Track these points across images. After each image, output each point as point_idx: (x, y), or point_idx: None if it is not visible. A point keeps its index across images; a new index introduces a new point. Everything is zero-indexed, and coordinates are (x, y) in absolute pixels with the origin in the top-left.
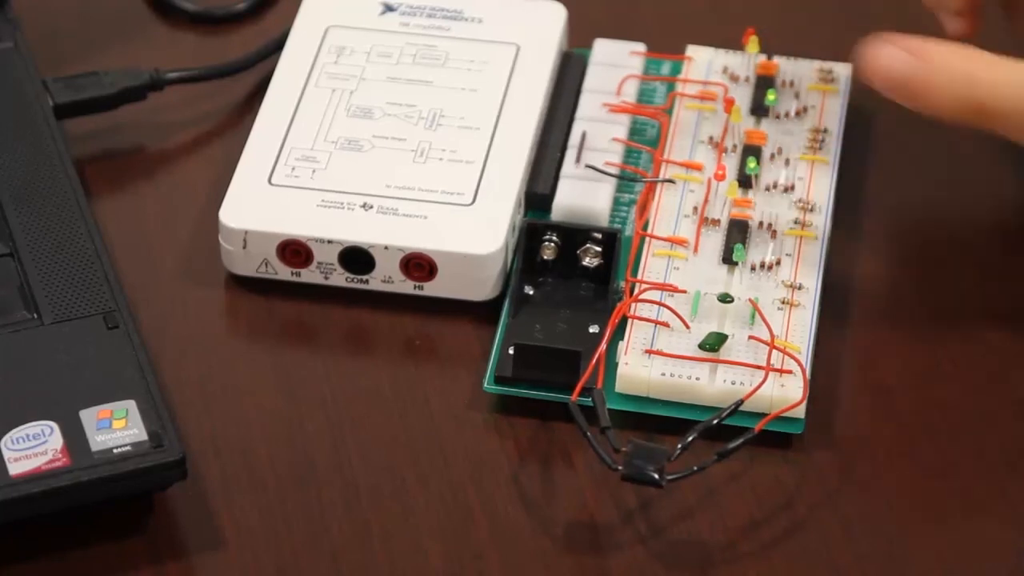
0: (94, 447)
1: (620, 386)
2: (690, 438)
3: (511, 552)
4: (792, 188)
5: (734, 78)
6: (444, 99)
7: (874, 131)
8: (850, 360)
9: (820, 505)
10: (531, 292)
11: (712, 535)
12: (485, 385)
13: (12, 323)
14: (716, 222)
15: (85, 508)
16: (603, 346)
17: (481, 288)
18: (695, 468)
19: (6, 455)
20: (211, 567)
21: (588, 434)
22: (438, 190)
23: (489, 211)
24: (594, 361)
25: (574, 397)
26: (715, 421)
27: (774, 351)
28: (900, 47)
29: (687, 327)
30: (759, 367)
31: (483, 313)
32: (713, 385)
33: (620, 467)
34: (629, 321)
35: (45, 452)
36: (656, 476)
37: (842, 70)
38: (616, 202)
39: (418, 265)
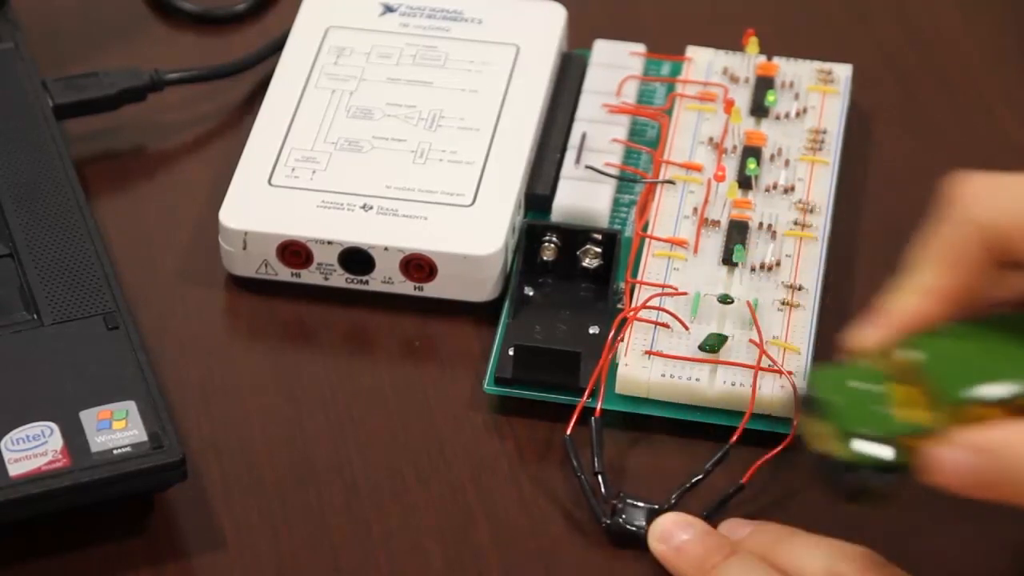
0: (94, 448)
1: (620, 387)
2: (679, 492)
3: (511, 552)
4: (792, 189)
5: (734, 79)
6: (444, 100)
7: (874, 131)
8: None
9: (820, 505)
10: (531, 293)
11: None
12: (485, 386)
13: (12, 324)
14: (716, 223)
15: (85, 508)
16: (604, 362)
17: (481, 289)
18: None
19: (6, 456)
20: (211, 567)
21: (580, 476)
22: (438, 191)
23: (489, 212)
24: (593, 380)
25: (568, 429)
26: (702, 478)
27: (776, 351)
28: (961, 445)
29: (686, 329)
30: (760, 368)
31: (483, 314)
32: (713, 386)
33: (607, 520)
34: (629, 322)
35: (45, 453)
36: (641, 532)
37: (842, 70)
38: (616, 203)
39: (418, 266)
